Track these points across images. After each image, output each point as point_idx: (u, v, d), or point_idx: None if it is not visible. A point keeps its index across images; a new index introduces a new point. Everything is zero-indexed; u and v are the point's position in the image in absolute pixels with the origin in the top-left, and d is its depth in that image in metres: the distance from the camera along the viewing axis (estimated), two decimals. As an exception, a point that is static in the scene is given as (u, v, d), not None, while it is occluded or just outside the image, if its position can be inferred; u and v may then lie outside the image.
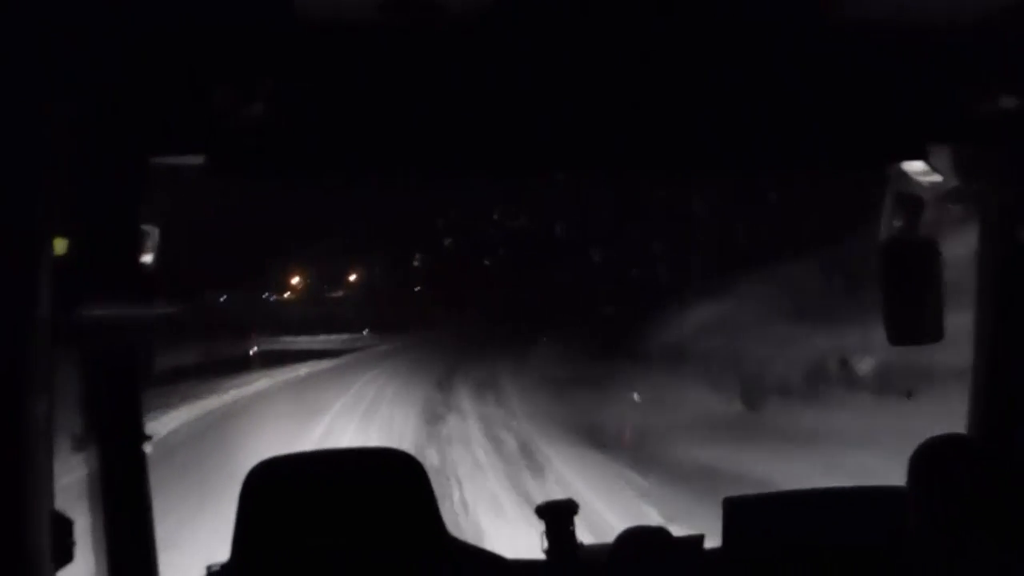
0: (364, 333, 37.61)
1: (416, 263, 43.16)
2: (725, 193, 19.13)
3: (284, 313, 40.89)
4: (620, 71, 1.83)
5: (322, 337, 35.12)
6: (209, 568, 1.97)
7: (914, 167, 2.07)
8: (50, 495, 1.43)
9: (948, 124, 1.96)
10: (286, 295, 47.30)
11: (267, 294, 44.27)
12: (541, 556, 2.13)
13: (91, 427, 1.88)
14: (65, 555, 1.51)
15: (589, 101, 1.85)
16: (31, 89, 1.39)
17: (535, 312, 32.87)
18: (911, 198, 2.15)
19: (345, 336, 36.03)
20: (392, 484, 1.87)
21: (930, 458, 1.67)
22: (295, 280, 47.95)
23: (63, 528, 1.51)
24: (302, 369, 24.85)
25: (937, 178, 2.06)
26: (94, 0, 1.52)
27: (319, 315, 40.33)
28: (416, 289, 43.92)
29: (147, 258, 1.85)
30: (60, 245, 1.59)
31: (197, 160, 1.82)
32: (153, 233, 1.86)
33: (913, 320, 2.16)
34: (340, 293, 47.27)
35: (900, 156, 2.07)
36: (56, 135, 1.49)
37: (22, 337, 1.35)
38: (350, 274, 48.21)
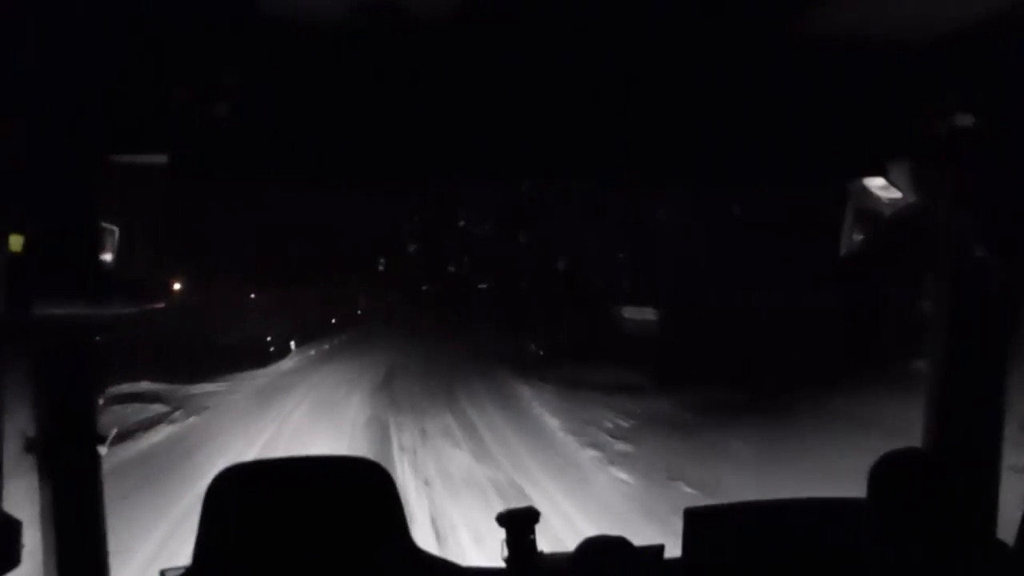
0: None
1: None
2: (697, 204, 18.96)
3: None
4: (578, 80, 1.84)
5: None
6: (163, 573, 1.94)
7: (874, 183, 2.11)
8: None
9: (906, 141, 2.01)
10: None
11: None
12: (501, 564, 2.13)
13: (43, 428, 1.84)
14: (12, 558, 1.48)
15: (550, 108, 1.86)
16: None
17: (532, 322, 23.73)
18: (871, 213, 2.19)
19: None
20: (358, 492, 1.86)
21: (887, 470, 1.70)
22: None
23: (11, 531, 1.48)
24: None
25: (896, 194, 2.10)
26: None
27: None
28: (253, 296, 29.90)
29: (106, 257, 1.82)
30: (16, 242, 1.56)
31: (160, 159, 1.80)
32: (114, 232, 1.83)
33: (873, 332, 2.20)
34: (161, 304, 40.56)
35: (859, 172, 2.11)
36: (12, 129, 1.46)
37: None
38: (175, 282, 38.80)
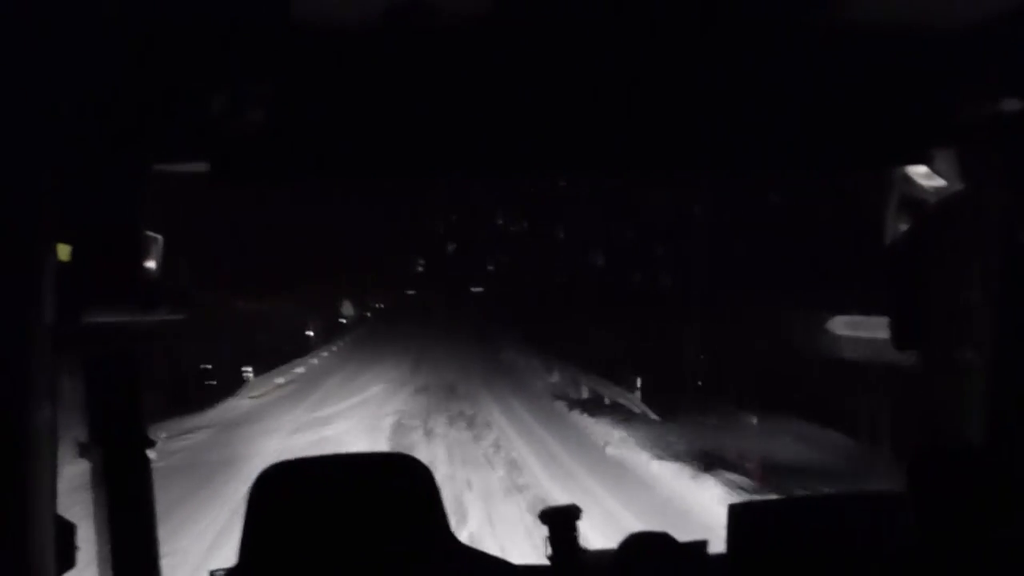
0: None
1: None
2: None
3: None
4: (620, 72, 1.84)
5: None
6: (213, 573, 1.97)
7: (918, 171, 2.08)
8: (53, 500, 1.44)
9: (950, 127, 1.97)
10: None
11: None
12: (545, 562, 2.13)
13: (95, 432, 1.88)
14: (67, 560, 1.51)
15: (588, 102, 1.87)
16: (33, 94, 1.39)
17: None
18: (915, 202, 2.16)
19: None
20: (401, 489, 1.87)
21: (925, 463, 1.66)
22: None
23: (66, 533, 1.51)
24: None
25: (941, 182, 2.06)
26: (95, 6, 1.52)
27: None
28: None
29: (151, 264, 1.85)
30: (64, 251, 1.59)
31: (201, 167, 1.83)
32: (158, 240, 1.86)
33: (918, 324, 2.17)
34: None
35: (903, 159, 2.09)
36: (59, 141, 1.49)
37: (25, 343, 1.35)
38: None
